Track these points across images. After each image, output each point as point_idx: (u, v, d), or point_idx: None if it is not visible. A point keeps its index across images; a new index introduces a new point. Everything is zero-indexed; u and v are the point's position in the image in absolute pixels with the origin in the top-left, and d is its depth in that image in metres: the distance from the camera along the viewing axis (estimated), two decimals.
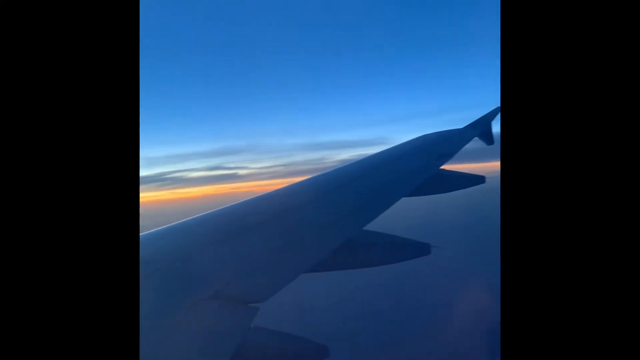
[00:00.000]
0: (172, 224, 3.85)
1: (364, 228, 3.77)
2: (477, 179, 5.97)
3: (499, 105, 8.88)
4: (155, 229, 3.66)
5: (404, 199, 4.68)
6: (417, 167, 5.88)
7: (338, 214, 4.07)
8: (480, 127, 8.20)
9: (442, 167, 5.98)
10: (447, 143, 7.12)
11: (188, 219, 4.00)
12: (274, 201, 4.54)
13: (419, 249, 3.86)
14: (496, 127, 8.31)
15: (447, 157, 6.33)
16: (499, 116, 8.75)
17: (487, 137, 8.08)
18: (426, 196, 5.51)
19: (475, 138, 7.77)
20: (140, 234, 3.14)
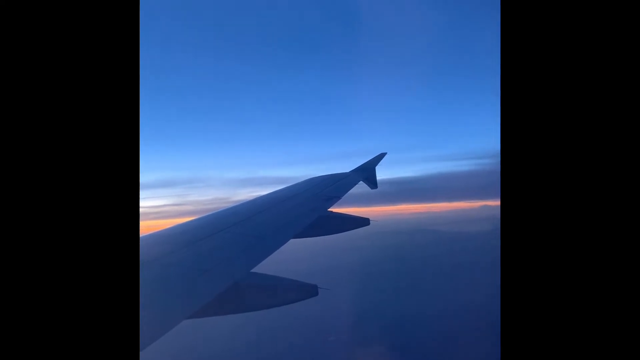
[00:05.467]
0: None
1: (252, 270, 3.71)
2: (362, 221, 6.22)
3: (385, 152, 9.37)
4: None
5: (292, 240, 4.70)
6: (306, 209, 5.98)
7: (224, 257, 3.96)
8: (365, 172, 8.62)
9: (330, 209, 6.15)
10: (334, 186, 7.37)
11: None
12: (155, 243, 4.31)
13: (307, 291, 3.86)
14: (380, 173, 8.80)
15: (335, 199, 6.53)
16: (382, 161, 9.28)
17: (372, 182, 8.50)
18: (314, 237, 5.60)
19: (360, 182, 8.14)
20: None
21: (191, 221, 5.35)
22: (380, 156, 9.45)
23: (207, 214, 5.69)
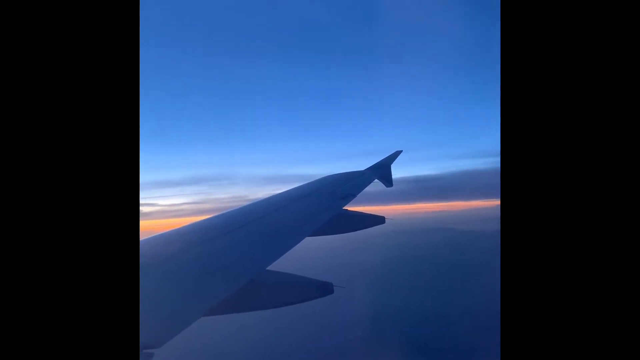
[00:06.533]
0: None
1: (267, 268, 3.73)
2: (377, 220, 6.20)
3: (400, 150, 9.32)
4: None
5: (307, 238, 4.71)
6: (321, 207, 5.99)
7: (240, 254, 3.99)
8: (380, 170, 8.58)
9: (345, 207, 6.14)
10: (350, 184, 7.35)
11: None
12: (171, 241, 4.35)
13: (322, 289, 3.87)
14: (395, 171, 8.76)
15: (350, 198, 6.52)
16: (397, 159, 9.23)
17: (387, 180, 8.46)
18: (330, 236, 5.60)
19: (376, 180, 8.11)
20: None
21: (208, 219, 5.39)
22: (396, 154, 9.40)
23: (224, 211, 5.73)
